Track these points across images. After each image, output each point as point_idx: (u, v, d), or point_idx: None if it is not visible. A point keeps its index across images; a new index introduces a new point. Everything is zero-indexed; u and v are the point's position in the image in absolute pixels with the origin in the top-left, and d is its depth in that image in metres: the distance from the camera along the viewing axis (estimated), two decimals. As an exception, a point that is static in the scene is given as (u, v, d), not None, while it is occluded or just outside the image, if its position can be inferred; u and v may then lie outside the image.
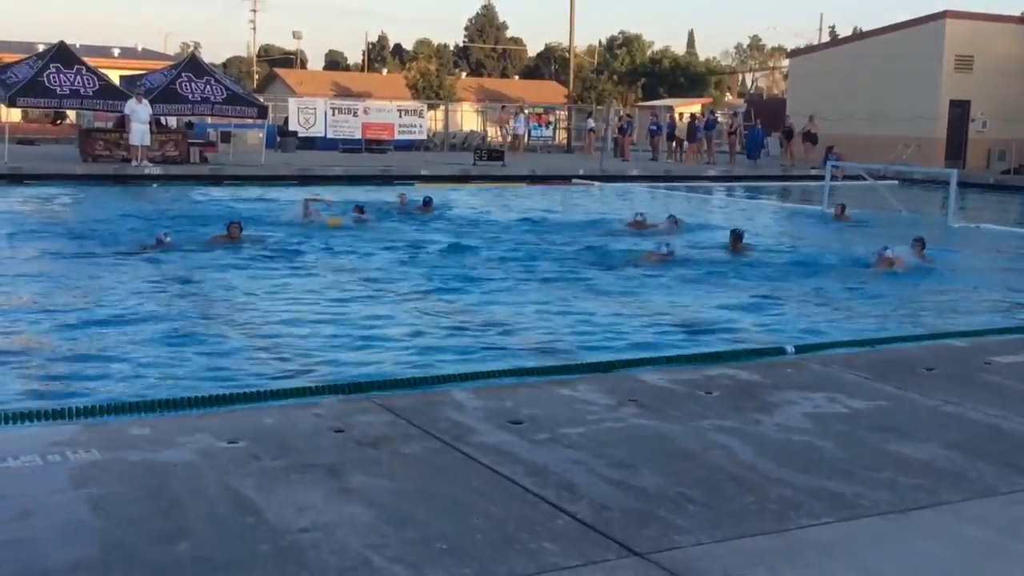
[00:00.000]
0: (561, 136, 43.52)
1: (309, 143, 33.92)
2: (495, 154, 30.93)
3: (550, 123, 42.02)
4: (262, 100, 31.40)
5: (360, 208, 17.13)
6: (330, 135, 33.38)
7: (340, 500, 3.81)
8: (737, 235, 14.31)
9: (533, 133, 39.82)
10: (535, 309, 10.38)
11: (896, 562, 3.45)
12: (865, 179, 24.98)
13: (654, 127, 38.58)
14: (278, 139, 33.57)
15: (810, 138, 34.83)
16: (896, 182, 27.28)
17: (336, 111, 33.72)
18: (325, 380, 7.00)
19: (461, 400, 5.22)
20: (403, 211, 18.76)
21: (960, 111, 35.37)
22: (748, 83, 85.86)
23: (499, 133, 40.51)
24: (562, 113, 45.28)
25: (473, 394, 5.40)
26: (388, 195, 21.15)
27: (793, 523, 3.73)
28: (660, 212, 19.24)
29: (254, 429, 4.62)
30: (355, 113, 33.82)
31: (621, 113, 43.13)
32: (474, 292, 11.32)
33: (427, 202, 18.84)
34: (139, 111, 25.01)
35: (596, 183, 28.00)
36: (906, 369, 6.13)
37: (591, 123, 37.08)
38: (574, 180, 28.41)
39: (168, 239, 13.47)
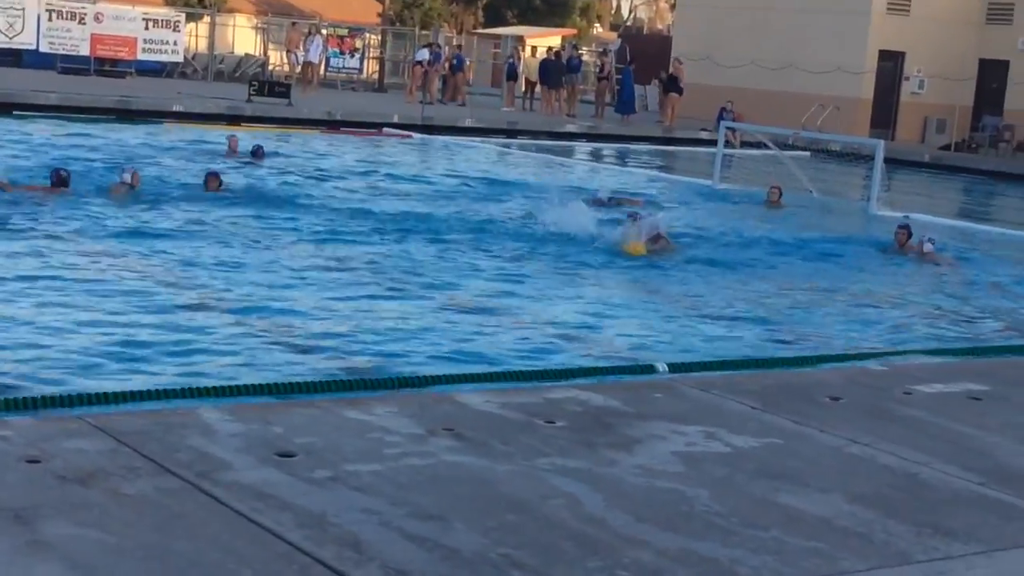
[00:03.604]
0: (371, 68, 43.30)
1: (13, 57, 32.78)
2: (278, 88, 30.62)
3: (356, 50, 41.76)
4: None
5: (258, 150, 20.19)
6: (44, 48, 32.73)
7: (30, 558, 3.72)
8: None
9: (332, 62, 39.52)
10: (331, 302, 10.38)
11: (779, 648, 3.58)
12: (768, 147, 25.75)
13: (511, 61, 38.73)
14: (-34, 52, 32.36)
15: (674, 86, 35.11)
16: (807, 153, 28.27)
17: (54, 15, 32.92)
18: (17, 392, 6.81)
19: (211, 422, 5.16)
20: (232, 159, 19.88)
21: (892, 65, 36.85)
22: (625, 12, 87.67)
23: (285, 60, 40.00)
24: (373, 37, 45.06)
25: (229, 414, 5.35)
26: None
27: (650, 596, 3.82)
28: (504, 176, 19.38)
29: (-91, 457, 4.45)
30: (82, 19, 33.08)
31: (455, 42, 43.29)
32: (252, 278, 11.23)
33: (257, 151, 20.47)
34: None
35: (415, 134, 28.03)
36: (806, 398, 6.37)
37: (425, 54, 36.72)
38: (385, 130, 28.36)
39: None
